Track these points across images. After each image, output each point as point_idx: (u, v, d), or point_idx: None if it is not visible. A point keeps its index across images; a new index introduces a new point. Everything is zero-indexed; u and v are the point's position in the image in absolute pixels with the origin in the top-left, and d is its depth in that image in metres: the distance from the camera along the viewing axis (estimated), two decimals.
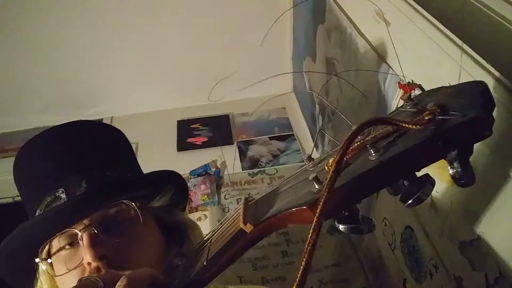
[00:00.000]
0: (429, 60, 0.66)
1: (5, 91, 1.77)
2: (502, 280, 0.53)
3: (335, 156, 0.31)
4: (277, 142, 1.70)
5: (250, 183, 1.53)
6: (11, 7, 1.57)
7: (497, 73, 0.49)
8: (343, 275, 1.21)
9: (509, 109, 0.48)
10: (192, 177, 1.54)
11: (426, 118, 0.31)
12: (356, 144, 0.34)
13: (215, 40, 1.74)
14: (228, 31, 1.74)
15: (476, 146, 0.54)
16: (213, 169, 1.57)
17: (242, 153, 1.66)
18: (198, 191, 1.48)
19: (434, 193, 0.68)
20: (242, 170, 1.59)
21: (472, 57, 0.54)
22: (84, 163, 0.64)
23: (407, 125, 0.31)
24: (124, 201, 0.61)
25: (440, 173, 0.65)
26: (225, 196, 1.49)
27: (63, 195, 0.61)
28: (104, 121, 1.85)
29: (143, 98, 1.88)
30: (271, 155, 1.65)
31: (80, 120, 0.71)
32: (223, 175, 1.57)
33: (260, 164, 1.61)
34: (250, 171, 1.58)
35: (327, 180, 0.31)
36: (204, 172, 1.56)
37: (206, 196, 1.47)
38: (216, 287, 0.72)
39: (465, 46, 0.55)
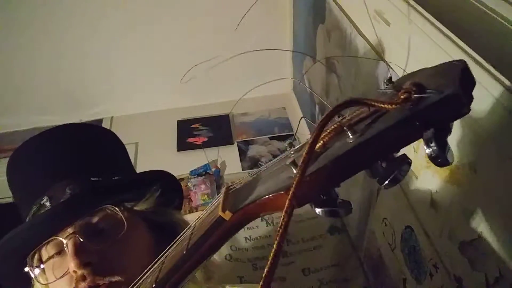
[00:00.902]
0: (429, 60, 0.66)
1: (5, 91, 1.77)
2: (502, 280, 0.53)
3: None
4: (277, 142, 1.70)
5: None
6: (12, 7, 1.57)
7: (497, 74, 0.49)
8: (343, 275, 1.21)
9: (509, 109, 0.48)
10: (192, 177, 1.54)
11: (402, 97, 0.30)
12: (333, 127, 0.34)
13: (216, 41, 1.74)
14: (228, 32, 1.74)
15: (476, 145, 0.54)
16: (213, 169, 1.57)
17: (242, 153, 1.66)
18: (198, 191, 1.48)
19: (434, 193, 0.68)
20: (242, 170, 1.59)
21: (472, 57, 0.54)
22: (70, 169, 0.64)
23: (382, 105, 0.31)
24: (108, 206, 0.61)
25: (440, 172, 0.65)
26: None
27: (48, 203, 0.60)
28: (104, 121, 1.86)
29: (143, 98, 1.88)
30: (271, 155, 1.65)
31: (70, 124, 0.70)
32: (223, 175, 1.57)
33: (260, 164, 1.61)
34: (250, 171, 1.57)
35: (301, 162, 0.30)
36: (204, 172, 1.56)
37: (206, 196, 1.47)
38: (214, 287, 0.72)
39: (465, 46, 0.55)
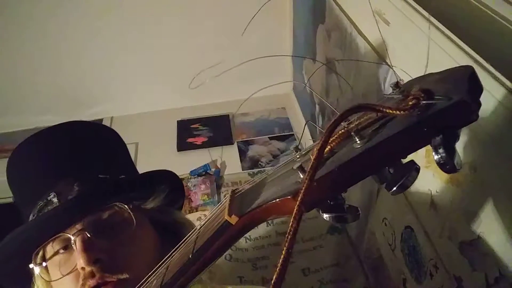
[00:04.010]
0: (429, 60, 0.66)
1: (5, 91, 1.77)
2: (502, 280, 0.53)
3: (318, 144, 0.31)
4: (277, 142, 1.70)
5: None
6: (12, 7, 1.57)
7: (497, 74, 0.49)
8: (343, 275, 1.21)
9: (509, 109, 0.48)
10: (192, 177, 1.54)
11: (410, 103, 0.30)
12: (341, 132, 0.34)
13: (216, 41, 1.74)
14: (228, 32, 1.74)
15: (476, 145, 0.54)
16: (213, 169, 1.57)
17: (242, 153, 1.66)
18: (198, 191, 1.48)
19: (434, 193, 0.68)
20: (242, 170, 1.59)
21: (472, 57, 0.54)
22: (76, 166, 0.64)
23: (390, 111, 0.30)
24: (117, 203, 0.61)
25: (440, 172, 0.65)
26: (225, 196, 1.49)
27: (55, 199, 0.60)
28: (104, 121, 1.86)
29: (143, 98, 1.88)
30: (271, 155, 1.65)
31: (73, 121, 0.70)
32: (223, 175, 1.57)
33: (260, 164, 1.61)
34: (250, 171, 1.58)
35: (309, 167, 0.30)
36: (204, 172, 1.56)
37: (206, 196, 1.47)
38: (214, 287, 0.72)
39: (465, 47, 0.55)
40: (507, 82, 0.48)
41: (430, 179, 0.68)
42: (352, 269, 1.20)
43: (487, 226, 0.55)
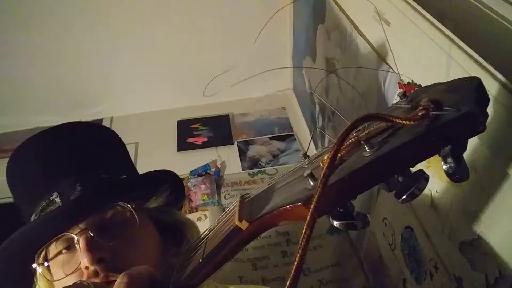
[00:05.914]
0: (429, 60, 0.66)
1: (5, 91, 1.77)
2: (502, 280, 0.53)
3: (329, 153, 0.32)
4: (277, 142, 1.70)
5: (250, 183, 1.53)
6: (11, 7, 1.57)
7: (498, 74, 0.49)
8: (343, 275, 1.21)
9: (509, 109, 0.48)
10: (192, 177, 1.54)
11: (420, 113, 0.31)
12: (350, 141, 0.35)
13: (215, 41, 1.74)
14: (228, 32, 1.74)
15: (476, 146, 0.54)
16: (213, 169, 1.57)
17: (242, 153, 1.66)
18: (198, 191, 1.48)
19: (434, 193, 0.68)
20: (242, 170, 1.59)
21: (472, 57, 0.54)
22: (78, 166, 0.64)
23: (401, 121, 0.31)
24: (120, 203, 0.61)
25: (440, 173, 0.65)
26: (225, 196, 1.49)
27: (58, 199, 0.60)
28: (104, 121, 1.86)
29: (143, 98, 1.88)
30: (271, 155, 1.65)
31: (73, 122, 0.71)
32: (223, 175, 1.57)
33: (260, 164, 1.61)
34: (250, 171, 1.58)
35: (321, 176, 0.31)
36: (204, 172, 1.56)
37: (206, 196, 1.47)
38: (216, 286, 0.73)
39: (465, 47, 0.55)
40: (507, 82, 0.48)
41: (430, 179, 0.68)
42: (352, 269, 1.20)
43: (487, 226, 0.55)
